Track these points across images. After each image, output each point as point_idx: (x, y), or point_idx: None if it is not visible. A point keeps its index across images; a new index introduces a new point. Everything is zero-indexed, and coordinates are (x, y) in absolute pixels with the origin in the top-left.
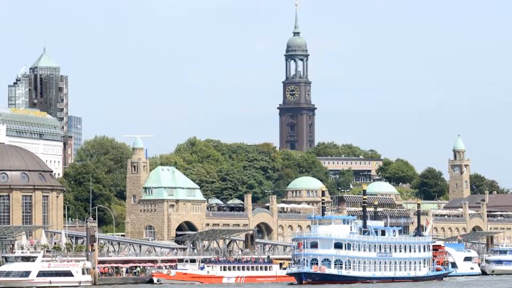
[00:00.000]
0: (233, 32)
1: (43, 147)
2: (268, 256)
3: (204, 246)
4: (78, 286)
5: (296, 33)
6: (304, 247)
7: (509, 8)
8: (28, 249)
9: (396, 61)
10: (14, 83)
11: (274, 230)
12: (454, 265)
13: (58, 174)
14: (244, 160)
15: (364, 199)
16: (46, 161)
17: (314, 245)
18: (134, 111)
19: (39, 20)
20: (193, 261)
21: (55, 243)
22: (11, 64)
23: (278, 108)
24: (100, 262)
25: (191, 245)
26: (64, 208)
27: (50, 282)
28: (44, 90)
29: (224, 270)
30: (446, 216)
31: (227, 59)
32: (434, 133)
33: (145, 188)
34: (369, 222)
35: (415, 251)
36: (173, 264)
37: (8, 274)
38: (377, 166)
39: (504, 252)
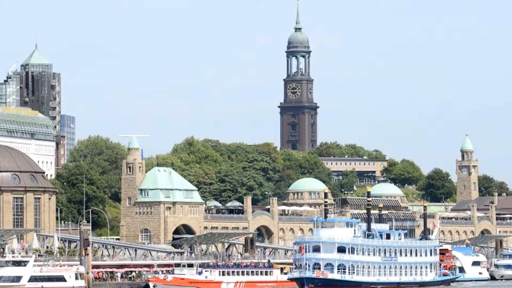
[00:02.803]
0: (233, 28)
1: (35, 147)
2: (269, 261)
3: (202, 250)
4: None
5: (297, 29)
6: (306, 251)
7: None
8: (19, 253)
9: (402, 59)
10: (5, 81)
11: (275, 233)
12: (461, 269)
13: (51, 175)
14: (244, 160)
15: (368, 201)
16: (38, 161)
17: (317, 249)
18: (129, 110)
19: (31, 15)
20: (190, 265)
21: (47, 247)
22: (1, 61)
23: (279, 106)
24: (94, 266)
25: (189, 249)
26: (57, 211)
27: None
28: (35, 88)
29: (223, 275)
30: (453, 219)
31: (226, 56)
32: (441, 132)
33: (141, 189)
34: (374, 225)
35: (421, 255)
36: (170, 268)
37: None
38: (381, 167)
39: None
